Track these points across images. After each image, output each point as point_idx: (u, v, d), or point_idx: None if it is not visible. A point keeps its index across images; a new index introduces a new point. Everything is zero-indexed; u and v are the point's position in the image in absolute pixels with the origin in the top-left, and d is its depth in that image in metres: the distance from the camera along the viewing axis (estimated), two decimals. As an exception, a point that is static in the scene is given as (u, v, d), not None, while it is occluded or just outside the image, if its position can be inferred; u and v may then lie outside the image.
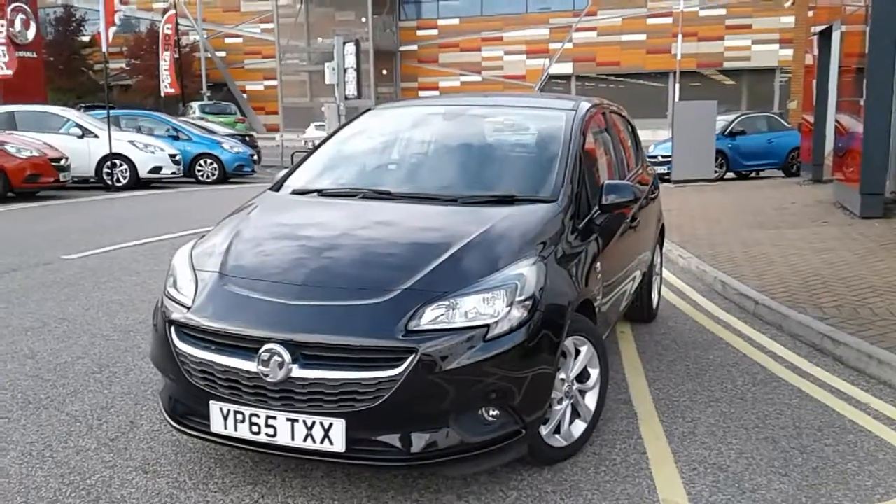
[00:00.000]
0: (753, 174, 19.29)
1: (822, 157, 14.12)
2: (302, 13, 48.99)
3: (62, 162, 13.81)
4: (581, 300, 3.47)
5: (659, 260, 6.00)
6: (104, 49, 15.81)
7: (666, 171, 17.27)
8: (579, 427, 3.51)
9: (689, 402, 4.22)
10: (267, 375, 2.89)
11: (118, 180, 15.61)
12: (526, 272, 3.13)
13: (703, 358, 4.98)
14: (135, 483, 3.26)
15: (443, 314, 2.96)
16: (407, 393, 2.83)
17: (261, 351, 2.90)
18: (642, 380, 4.57)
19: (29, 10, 26.49)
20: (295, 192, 4.09)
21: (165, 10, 39.09)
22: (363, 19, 46.39)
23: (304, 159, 4.46)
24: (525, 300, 3.05)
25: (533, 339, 3.04)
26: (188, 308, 3.19)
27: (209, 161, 17.72)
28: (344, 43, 23.52)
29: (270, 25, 48.56)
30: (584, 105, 4.52)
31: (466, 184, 3.96)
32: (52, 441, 3.67)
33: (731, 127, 18.05)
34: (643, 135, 22.23)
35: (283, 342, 2.89)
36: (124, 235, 9.64)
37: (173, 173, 16.34)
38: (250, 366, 2.92)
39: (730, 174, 18.38)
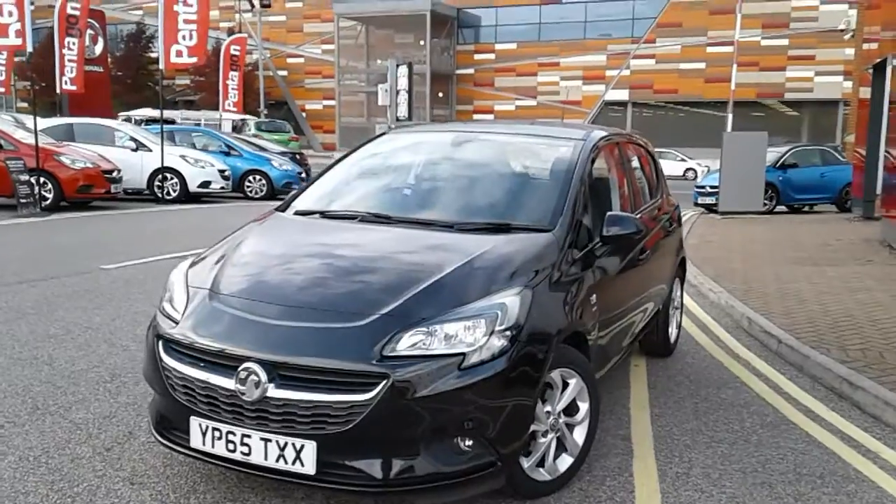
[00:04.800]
0: (806, 208, 18.84)
1: (874, 193, 13.72)
2: (362, 35, 49.81)
3: (114, 174, 14.25)
4: (570, 332, 3.43)
5: (678, 293, 5.89)
6: (161, 66, 16.27)
7: (713, 201, 17.00)
8: (566, 461, 3.46)
9: (690, 441, 4.12)
10: (244, 394, 2.92)
11: (168, 193, 16.03)
12: (508, 301, 3.11)
13: (714, 396, 4.86)
14: (119, 493, 3.32)
15: (421, 340, 2.96)
16: (378, 418, 2.83)
17: (239, 369, 2.94)
18: (646, 416, 4.48)
19: (97, 25, 27.54)
20: (298, 213, 4.15)
21: (231, 30, 40.21)
22: (421, 42, 46.90)
23: (315, 180, 4.53)
24: (505, 329, 3.03)
25: (512, 370, 3.01)
26: (176, 323, 3.25)
27: (258, 177, 18.07)
28: (397, 65, 23.87)
29: (332, 46, 49.47)
30: (596, 135, 4.48)
31: (464, 211, 3.96)
32: (51, 447, 3.76)
33: (783, 159, 17.68)
34: (685, 164, 21.84)
35: (260, 361, 2.93)
36: (164, 247, 9.86)
37: (222, 188, 16.71)
38: (229, 383, 2.96)
39: (781, 207, 17.98)
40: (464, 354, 2.94)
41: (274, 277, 3.43)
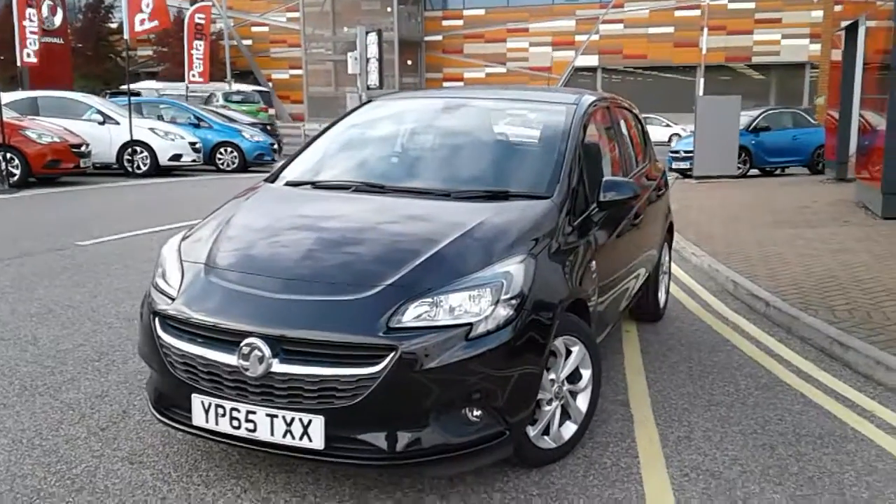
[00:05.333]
0: (778, 171, 19.01)
1: (847, 155, 13.85)
2: (328, 2, 48.97)
3: (83, 148, 13.91)
4: (573, 299, 3.40)
5: (667, 258, 5.90)
6: (126, 36, 15.89)
7: (688, 166, 17.08)
8: (570, 429, 3.45)
9: (688, 405, 4.14)
10: (247, 370, 2.86)
11: (138, 167, 15.72)
12: (513, 270, 3.07)
13: (707, 360, 4.88)
14: (119, 473, 3.26)
15: (426, 311, 2.91)
16: (387, 391, 2.79)
17: (241, 344, 2.87)
18: (642, 381, 4.49)
19: (57, -5, 26.72)
20: (289, 184, 4.06)
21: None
22: (388, 9, 46.24)
23: (302, 150, 4.43)
24: (511, 298, 2.99)
25: (519, 339, 2.98)
26: (173, 299, 3.17)
27: (229, 149, 17.77)
28: (367, 33, 23.52)
29: (297, 14, 48.63)
30: (587, 99, 4.43)
31: (460, 178, 3.89)
32: (44, 429, 3.67)
33: (755, 123, 17.76)
34: (670, 129, 22.08)
35: (263, 336, 2.86)
36: (140, 222, 9.68)
37: (193, 161, 16.42)
38: (231, 359, 2.90)
39: (753, 171, 18.11)
40: (470, 325, 2.89)
41: (272, 250, 3.34)
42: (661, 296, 5.74)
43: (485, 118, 4.49)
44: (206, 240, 3.43)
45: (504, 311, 2.96)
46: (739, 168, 17.06)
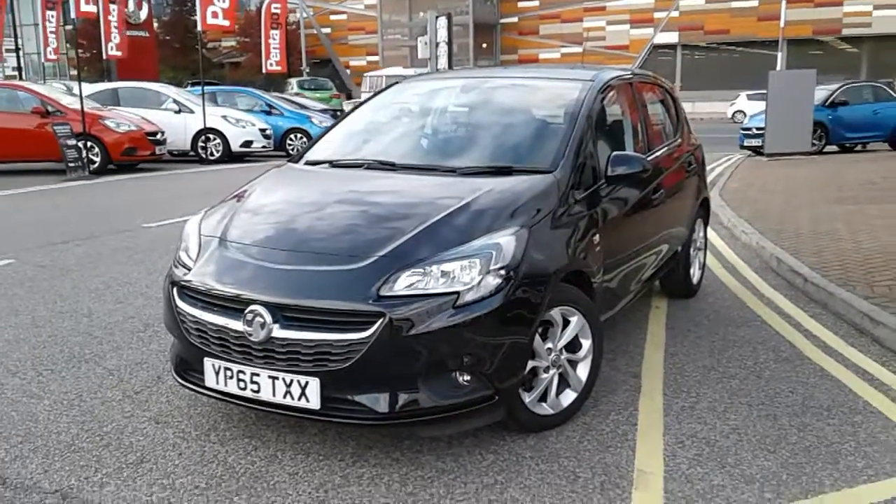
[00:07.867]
0: (859, 147, 18.28)
1: (926, 129, 13.25)
2: (404, -13, 49.40)
3: (158, 136, 14.59)
4: (570, 271, 3.48)
5: (701, 235, 5.85)
6: (199, 28, 16.51)
7: (760, 143, 16.62)
8: (569, 396, 3.55)
9: (700, 377, 4.16)
10: (251, 335, 3.07)
11: (211, 154, 16.35)
12: (503, 241, 3.18)
13: (731, 335, 4.87)
14: (145, 432, 3.53)
15: (417, 280, 3.06)
16: (376, 355, 2.95)
17: (245, 311, 3.09)
18: (660, 354, 4.52)
19: (142, -11, 27.90)
20: (308, 163, 4.27)
21: (272, -11, 40.15)
22: (464, -8, 46.30)
23: (327, 131, 4.63)
24: (500, 269, 3.11)
25: (508, 308, 3.10)
26: (189, 270, 3.42)
27: (299, 135, 18.26)
28: (436, 17, 23.67)
29: (374, 1, 49.20)
30: (605, 75, 4.47)
31: (468, 155, 4.01)
32: (84, 392, 3.99)
33: (832, 97, 17.11)
34: (756, 105, 21.27)
35: (265, 304, 3.07)
36: (205, 205, 10.02)
37: (263, 147, 16.97)
38: (237, 325, 3.12)
39: (831, 147, 17.47)
40: (458, 293, 3.02)
41: (279, 224, 3.55)
42: (695, 272, 5.71)
43: (500, 97, 4.58)
44: (224, 216, 3.68)
45: (493, 281, 3.08)
46: (815, 144, 16.47)
